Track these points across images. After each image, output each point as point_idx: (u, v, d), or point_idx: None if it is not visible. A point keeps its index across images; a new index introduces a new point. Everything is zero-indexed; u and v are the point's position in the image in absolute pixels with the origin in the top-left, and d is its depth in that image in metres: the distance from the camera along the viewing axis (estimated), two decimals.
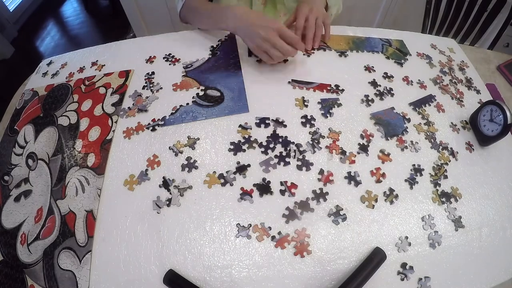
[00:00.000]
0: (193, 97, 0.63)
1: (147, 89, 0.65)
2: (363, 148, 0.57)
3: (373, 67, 0.70)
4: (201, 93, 0.63)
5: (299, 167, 0.54)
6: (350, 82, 0.67)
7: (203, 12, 0.72)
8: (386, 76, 0.69)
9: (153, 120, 0.59)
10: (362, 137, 0.58)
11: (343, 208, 0.51)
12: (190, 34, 0.76)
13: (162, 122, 0.59)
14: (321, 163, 0.55)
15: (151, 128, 0.58)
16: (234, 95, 0.63)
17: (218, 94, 0.63)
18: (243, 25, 0.64)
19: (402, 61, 0.73)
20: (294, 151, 0.56)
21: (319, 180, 0.53)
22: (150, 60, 0.71)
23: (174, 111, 0.60)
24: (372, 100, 0.64)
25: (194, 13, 0.75)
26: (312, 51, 0.72)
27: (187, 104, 0.62)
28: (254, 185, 0.52)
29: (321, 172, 0.54)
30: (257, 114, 0.60)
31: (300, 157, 0.55)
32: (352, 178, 0.53)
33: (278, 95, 0.64)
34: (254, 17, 0.63)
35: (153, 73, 0.68)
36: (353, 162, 0.55)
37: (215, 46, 0.73)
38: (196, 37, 0.75)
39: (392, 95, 0.66)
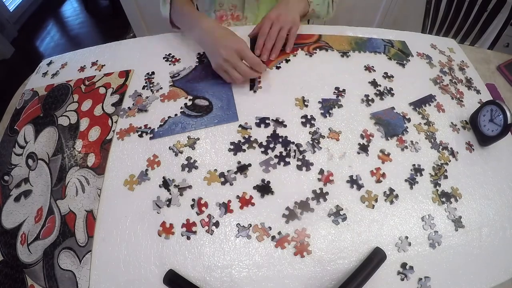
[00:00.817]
0: (181, 108, 0.61)
1: (147, 89, 0.65)
2: (363, 148, 0.57)
3: (373, 67, 0.70)
4: (189, 103, 0.62)
5: (299, 167, 0.54)
6: (350, 82, 0.67)
7: (180, 14, 0.70)
8: (386, 76, 0.69)
9: (145, 126, 0.59)
10: (362, 137, 0.58)
11: (343, 208, 0.51)
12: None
13: (151, 135, 0.58)
14: (321, 163, 0.55)
15: (139, 133, 0.58)
16: (223, 104, 0.62)
17: (207, 103, 0.62)
18: (207, 41, 0.64)
19: (404, 62, 0.73)
20: (294, 151, 0.56)
21: (319, 180, 0.53)
22: (150, 60, 0.71)
23: (162, 123, 0.59)
24: (372, 100, 0.64)
25: (177, 13, 0.71)
26: (314, 51, 0.72)
27: (176, 115, 0.60)
28: (254, 187, 0.52)
29: (321, 172, 0.54)
30: (246, 120, 0.59)
31: (300, 157, 0.55)
32: (354, 182, 0.53)
33: (275, 97, 0.64)
34: (218, 34, 0.62)
35: (153, 73, 0.68)
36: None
37: (201, 53, 0.71)
38: None
39: (392, 95, 0.66)
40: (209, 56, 0.65)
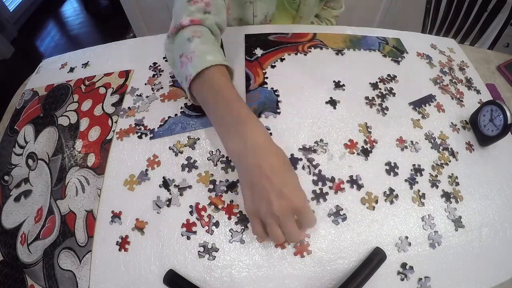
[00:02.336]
0: (181, 107, 0.61)
1: (147, 88, 0.65)
2: (363, 150, 0.57)
3: (369, 65, 0.70)
4: (190, 103, 0.61)
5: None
6: (349, 81, 0.66)
7: (214, 98, 0.47)
8: (385, 75, 0.69)
9: (145, 127, 0.59)
10: (366, 142, 0.58)
11: (343, 208, 0.51)
12: None
13: (151, 135, 0.57)
14: (321, 163, 0.54)
15: (139, 134, 0.58)
16: None
17: None
18: (255, 171, 0.40)
19: (399, 59, 0.73)
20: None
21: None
22: (150, 60, 0.70)
23: (162, 123, 0.59)
24: (373, 99, 0.64)
25: (209, 91, 0.47)
26: (309, 49, 0.72)
27: (176, 115, 0.60)
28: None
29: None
30: None
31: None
32: (354, 182, 0.53)
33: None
34: (275, 165, 0.40)
35: (155, 69, 0.68)
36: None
37: None
38: None
39: (394, 94, 0.66)
40: (248, 190, 0.41)
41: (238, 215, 0.49)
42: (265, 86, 0.64)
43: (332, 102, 0.62)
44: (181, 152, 0.55)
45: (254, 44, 0.72)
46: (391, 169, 0.55)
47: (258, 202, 0.40)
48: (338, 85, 0.65)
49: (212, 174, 0.53)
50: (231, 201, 0.50)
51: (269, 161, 0.40)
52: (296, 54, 0.71)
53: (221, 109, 0.46)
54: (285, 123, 0.59)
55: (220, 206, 0.50)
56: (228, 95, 0.46)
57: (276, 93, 0.63)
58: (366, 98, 0.64)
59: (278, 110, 0.60)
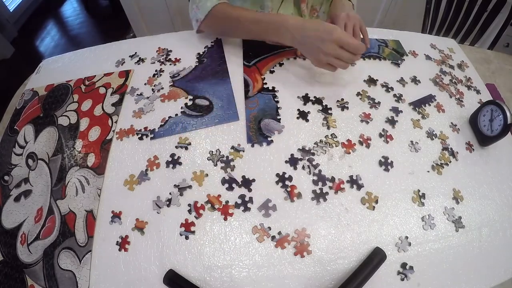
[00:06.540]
0: (181, 108, 0.61)
1: (147, 88, 0.65)
2: (364, 151, 0.57)
3: (368, 68, 0.70)
4: (190, 103, 0.62)
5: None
6: (350, 83, 0.66)
7: (246, 22, 0.64)
8: (387, 77, 0.69)
9: (145, 128, 0.59)
10: (360, 143, 0.58)
11: (343, 208, 0.50)
12: (190, 34, 0.76)
13: (152, 135, 0.57)
14: (321, 163, 0.55)
15: (139, 135, 0.58)
16: (224, 103, 0.61)
17: (207, 103, 0.62)
18: (300, 40, 0.59)
19: (399, 61, 0.73)
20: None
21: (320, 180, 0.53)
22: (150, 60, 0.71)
23: (163, 123, 0.59)
24: (373, 100, 0.64)
25: (230, 21, 0.67)
26: None
27: (176, 115, 0.60)
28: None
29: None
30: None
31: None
32: (354, 182, 0.53)
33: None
34: (310, 29, 0.58)
35: (154, 73, 0.68)
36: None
37: (201, 53, 0.71)
38: (196, 37, 0.75)
39: (394, 95, 0.66)
40: (307, 53, 0.62)
41: (234, 215, 0.49)
42: (264, 92, 0.64)
43: (332, 104, 0.62)
44: (184, 149, 0.55)
45: (252, 49, 0.71)
46: (391, 169, 0.55)
47: (316, 55, 0.59)
48: (338, 88, 0.65)
49: (207, 175, 0.52)
50: (227, 202, 0.50)
51: (306, 27, 0.59)
52: (295, 58, 0.70)
53: (257, 26, 0.64)
54: (285, 123, 0.59)
55: (216, 206, 0.50)
56: (251, 16, 0.65)
57: (276, 99, 0.63)
58: (367, 98, 0.64)
59: (278, 117, 0.60)
